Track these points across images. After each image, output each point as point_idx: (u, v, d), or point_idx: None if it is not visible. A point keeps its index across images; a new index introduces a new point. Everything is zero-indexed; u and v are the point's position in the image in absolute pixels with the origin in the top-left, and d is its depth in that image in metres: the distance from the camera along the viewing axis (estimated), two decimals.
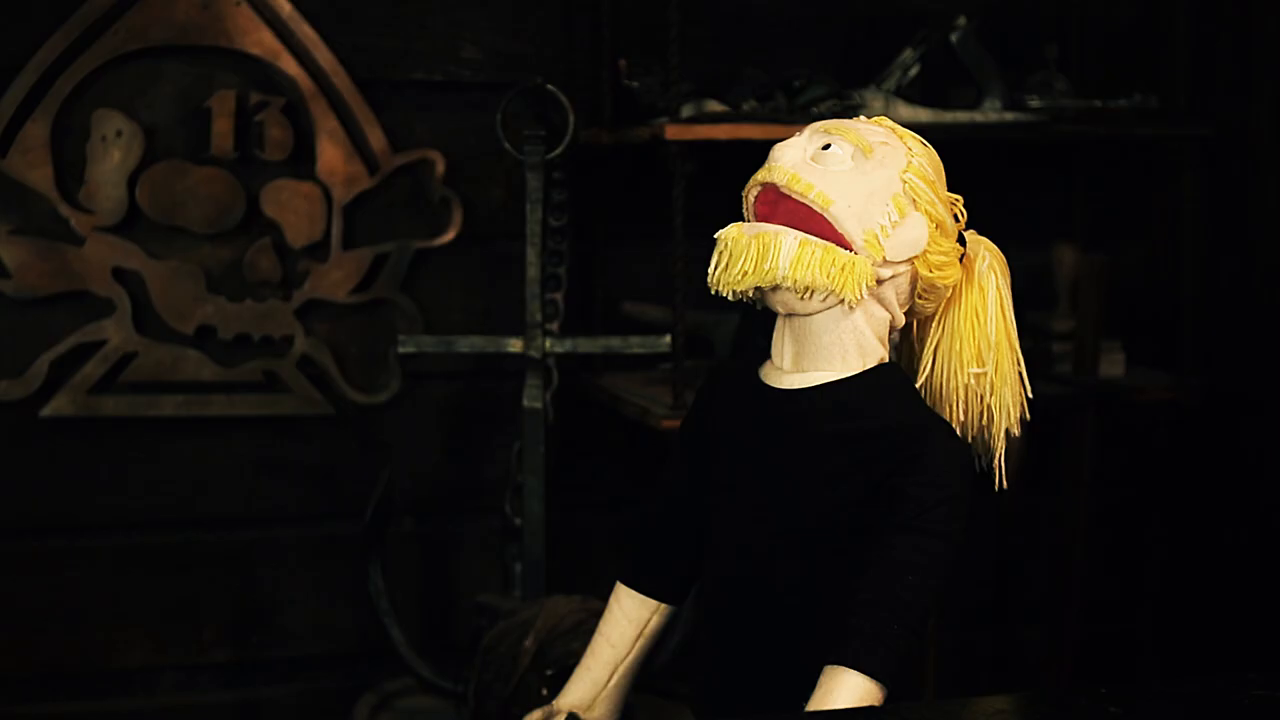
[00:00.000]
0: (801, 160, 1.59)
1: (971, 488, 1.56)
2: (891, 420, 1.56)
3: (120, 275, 2.70)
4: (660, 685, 2.55)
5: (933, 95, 2.79)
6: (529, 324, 2.64)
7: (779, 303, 1.58)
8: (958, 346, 1.66)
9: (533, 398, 2.65)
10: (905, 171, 1.59)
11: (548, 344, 2.65)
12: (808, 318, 1.58)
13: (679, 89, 2.61)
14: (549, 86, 2.68)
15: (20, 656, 2.71)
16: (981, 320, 1.66)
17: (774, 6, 2.97)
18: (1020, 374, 1.67)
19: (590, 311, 2.91)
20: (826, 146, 1.58)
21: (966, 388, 1.65)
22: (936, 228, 1.60)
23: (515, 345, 2.65)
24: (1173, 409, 3.08)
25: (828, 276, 1.53)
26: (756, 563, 1.60)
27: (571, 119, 2.67)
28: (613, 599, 1.76)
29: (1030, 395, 1.67)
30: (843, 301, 1.56)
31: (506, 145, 2.67)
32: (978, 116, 2.77)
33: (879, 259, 1.55)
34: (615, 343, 2.66)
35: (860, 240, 1.55)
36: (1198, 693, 1.29)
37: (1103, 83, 3.02)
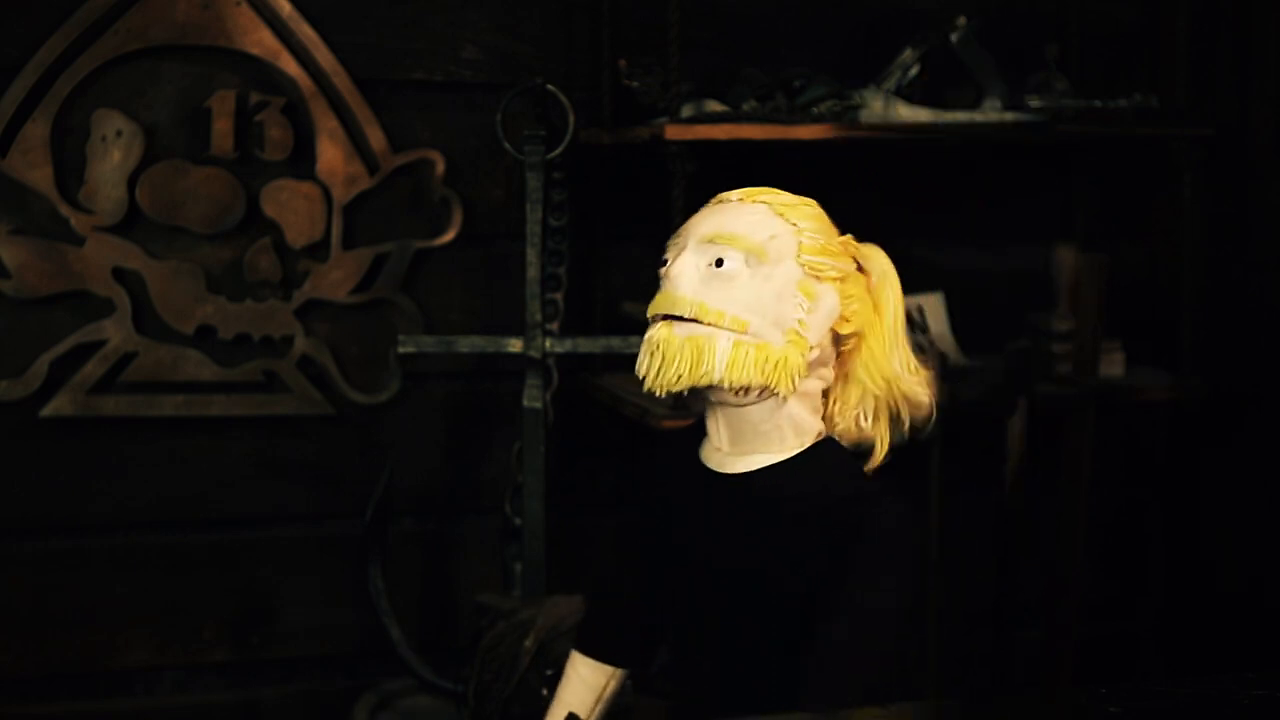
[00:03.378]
0: (699, 284, 1.58)
1: (911, 547, 1.63)
2: (833, 495, 1.58)
3: (120, 275, 2.70)
4: (658, 686, 2.55)
5: (933, 95, 2.79)
6: (529, 324, 2.64)
7: (712, 395, 1.60)
8: (868, 364, 1.67)
9: (533, 398, 2.65)
10: (800, 255, 1.60)
11: (548, 344, 2.65)
12: (742, 408, 1.60)
13: (679, 89, 2.61)
14: (549, 86, 2.68)
15: (20, 656, 2.71)
16: (885, 338, 1.66)
17: (774, 6, 2.97)
18: (913, 380, 1.67)
19: (590, 311, 2.91)
20: (719, 262, 1.58)
21: (876, 398, 1.67)
22: (842, 282, 1.62)
23: (515, 345, 2.65)
24: (1173, 409, 3.08)
25: (762, 374, 1.56)
26: (720, 634, 1.63)
27: (571, 119, 2.67)
28: (569, 666, 1.81)
29: (929, 396, 1.68)
30: (777, 393, 1.57)
31: (506, 145, 2.67)
32: (978, 116, 2.77)
33: (805, 349, 1.58)
34: (615, 343, 2.66)
35: (783, 341, 1.57)
36: (1198, 693, 1.29)
37: (1103, 83, 3.02)
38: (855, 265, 1.65)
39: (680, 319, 1.59)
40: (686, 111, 2.61)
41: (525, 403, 2.65)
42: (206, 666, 2.81)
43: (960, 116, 2.76)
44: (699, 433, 1.70)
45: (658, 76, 2.66)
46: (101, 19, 2.65)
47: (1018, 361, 2.76)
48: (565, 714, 1.77)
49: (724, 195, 1.67)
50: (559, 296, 2.77)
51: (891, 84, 2.76)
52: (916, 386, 1.67)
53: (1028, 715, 1.35)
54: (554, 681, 2.29)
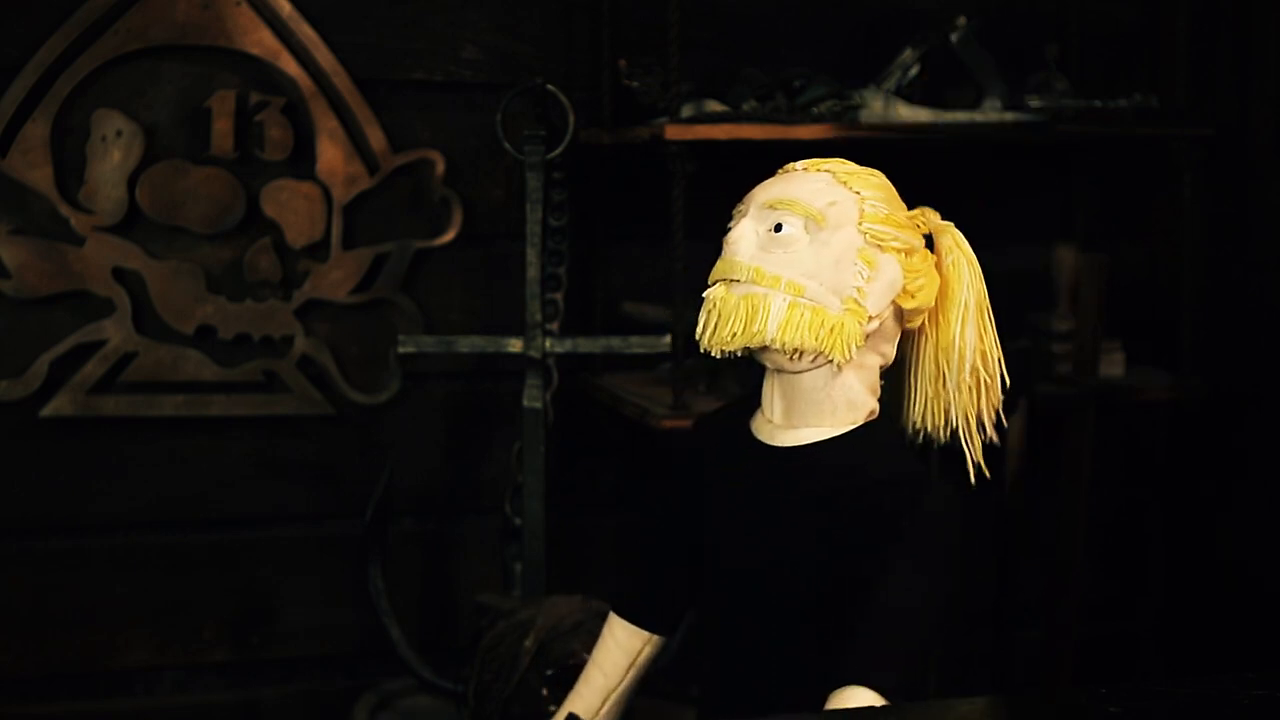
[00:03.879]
0: (757, 249, 1.58)
1: (962, 534, 1.58)
2: (884, 475, 1.57)
3: (120, 275, 2.70)
4: (664, 687, 2.55)
5: (933, 95, 2.79)
6: (529, 324, 2.64)
7: (768, 360, 1.60)
8: (942, 350, 1.67)
9: (533, 398, 2.65)
10: (861, 223, 1.59)
11: (548, 344, 2.65)
12: (797, 375, 1.59)
13: (679, 89, 2.61)
14: (549, 86, 2.68)
15: (20, 656, 2.71)
16: (958, 321, 1.66)
17: (774, 6, 2.97)
18: (998, 371, 1.67)
19: (590, 311, 2.91)
20: (778, 227, 1.57)
21: (944, 381, 1.66)
22: (906, 255, 1.61)
23: (515, 345, 2.65)
24: (1173, 409, 3.08)
25: (816, 339, 1.54)
26: (750, 612, 1.61)
27: (571, 119, 2.67)
28: (606, 628, 1.79)
29: (1002, 393, 1.68)
30: (831, 361, 1.56)
31: (506, 145, 2.67)
32: (978, 116, 2.77)
33: (864, 318, 1.56)
34: (615, 343, 2.66)
35: (841, 309, 1.56)
36: (1198, 693, 1.29)
37: (1103, 83, 3.02)
38: (924, 241, 1.64)
39: (737, 282, 1.57)
40: (686, 111, 2.61)
41: (525, 403, 2.65)
42: (206, 666, 2.81)
43: (960, 116, 2.76)
44: (749, 406, 1.68)
45: (658, 76, 2.66)
46: (101, 19, 2.65)
47: (1018, 361, 2.76)
48: (600, 679, 1.76)
49: (790, 165, 1.67)
50: (559, 296, 2.77)
51: (891, 84, 2.76)
52: (988, 376, 1.67)
53: (1028, 715, 1.35)
54: (554, 681, 2.29)
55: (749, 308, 1.55)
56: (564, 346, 2.67)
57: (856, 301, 1.56)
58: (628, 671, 1.77)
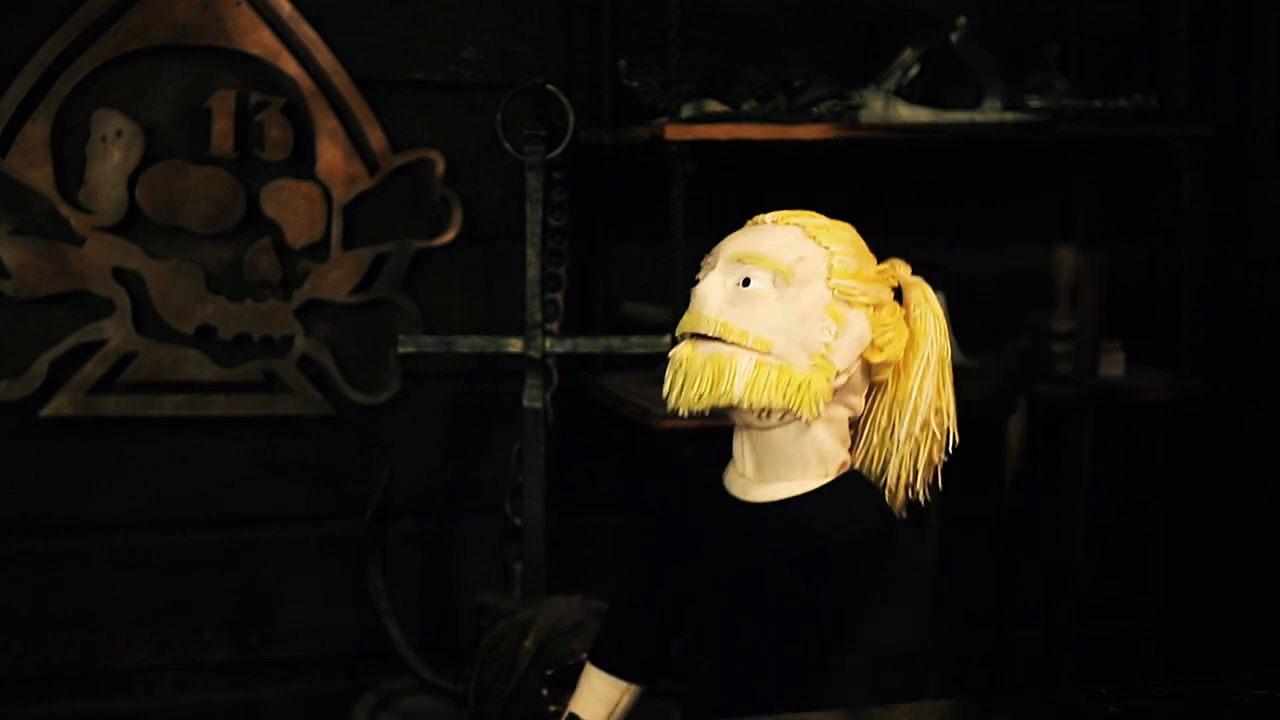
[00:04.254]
0: (725, 303, 1.57)
1: (923, 582, 1.63)
2: (858, 530, 1.57)
3: (120, 275, 2.70)
4: (659, 686, 2.55)
5: (933, 95, 2.79)
6: (529, 324, 2.64)
7: (736, 418, 1.60)
8: (898, 403, 1.66)
9: (533, 398, 2.65)
10: (830, 278, 1.58)
11: (548, 344, 2.65)
12: (766, 431, 1.59)
13: (679, 89, 2.61)
14: (549, 86, 2.68)
15: (20, 656, 2.71)
16: (919, 375, 1.64)
17: (774, 6, 2.97)
18: (949, 428, 1.66)
19: (590, 311, 2.91)
20: (746, 282, 1.56)
21: (908, 433, 1.65)
22: (875, 310, 1.60)
23: (515, 345, 2.65)
24: (1173, 409, 3.08)
25: (784, 397, 1.54)
26: (744, 657, 1.62)
27: (571, 119, 2.67)
28: (583, 679, 1.78)
29: (952, 445, 1.66)
30: (800, 418, 1.56)
31: (506, 145, 2.67)
32: (978, 116, 2.77)
33: (831, 374, 1.56)
34: (615, 343, 2.66)
35: (808, 365, 1.55)
36: (1198, 693, 1.29)
37: (1103, 83, 3.02)
38: (893, 294, 1.63)
39: (705, 338, 1.57)
40: (686, 111, 2.61)
41: (525, 403, 2.65)
42: (206, 666, 2.81)
43: (960, 116, 2.76)
44: (723, 457, 1.68)
45: (658, 76, 2.66)
46: (101, 19, 2.65)
47: (1018, 361, 2.76)
48: None
49: (759, 217, 1.66)
50: (559, 296, 2.77)
51: (891, 84, 2.76)
52: (937, 431, 1.64)
53: (1028, 715, 1.35)
54: (554, 681, 2.29)
55: (715, 368, 1.55)
56: (564, 346, 2.67)
57: (824, 357, 1.56)
58: None
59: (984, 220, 3.10)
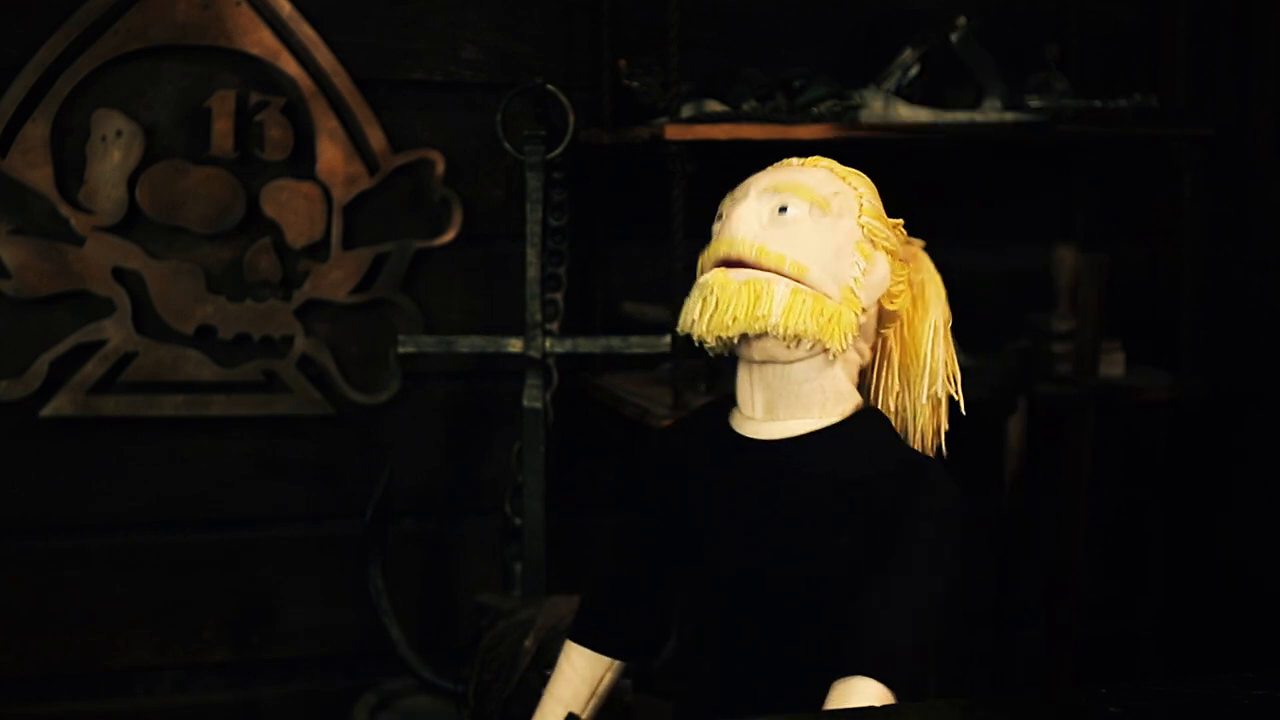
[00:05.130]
0: (761, 228, 1.55)
1: (963, 522, 1.57)
2: (884, 464, 1.55)
3: (120, 275, 2.70)
4: (659, 685, 2.55)
5: (933, 95, 2.79)
6: (529, 324, 2.64)
7: (758, 350, 1.56)
8: (905, 368, 1.67)
9: (533, 398, 2.65)
10: (861, 216, 1.59)
11: (548, 344, 2.65)
12: (785, 366, 1.57)
13: (679, 89, 2.61)
14: (549, 86, 2.68)
15: (20, 656, 2.71)
16: (929, 340, 1.66)
17: (774, 6, 2.97)
18: (958, 392, 1.67)
19: (590, 311, 2.91)
20: (783, 209, 1.56)
21: (915, 406, 1.66)
22: (892, 258, 1.61)
23: (515, 345, 2.65)
24: (1173, 409, 3.08)
25: (817, 326, 1.53)
26: (749, 610, 1.58)
27: (571, 119, 2.67)
28: (563, 658, 1.73)
29: (957, 399, 1.67)
30: (826, 351, 1.55)
31: (506, 145, 2.67)
32: (978, 116, 2.77)
33: (858, 310, 1.56)
34: (615, 343, 2.66)
35: (838, 297, 1.55)
36: (1198, 693, 1.29)
37: (1103, 83, 3.02)
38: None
39: (738, 265, 1.54)
40: (686, 111, 2.61)
41: (525, 403, 2.65)
42: (206, 666, 2.81)
43: (960, 116, 2.76)
44: (723, 405, 1.66)
45: (658, 76, 2.66)
46: (101, 19, 2.65)
47: (1018, 361, 2.76)
48: (560, 711, 1.68)
49: (785, 160, 1.66)
50: (559, 296, 2.77)
51: (891, 84, 2.76)
52: (942, 396, 1.66)
53: (1028, 715, 1.35)
54: None
55: (751, 293, 1.52)
56: (564, 346, 2.67)
57: (852, 292, 1.56)
58: (589, 701, 1.71)
59: (984, 220, 3.10)
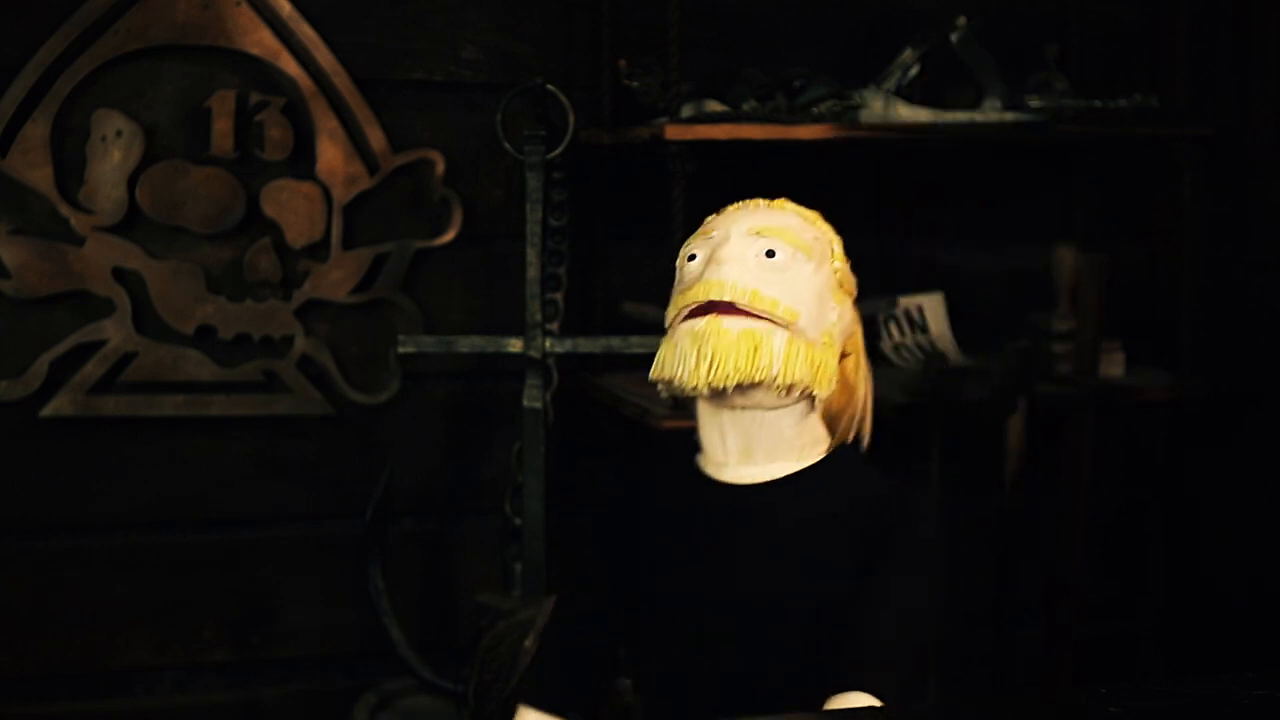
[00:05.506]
0: (751, 273, 1.53)
1: (943, 535, 1.61)
2: (865, 496, 1.57)
3: (120, 275, 2.70)
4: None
5: (933, 95, 2.79)
6: (529, 324, 2.64)
7: (744, 399, 1.54)
8: (843, 404, 1.70)
9: (533, 398, 2.65)
10: (834, 261, 1.60)
11: (548, 344, 2.65)
12: (767, 412, 1.56)
13: (679, 89, 2.61)
14: (549, 86, 2.68)
15: (20, 656, 2.71)
16: (862, 378, 1.70)
17: (774, 6, 2.97)
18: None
19: (590, 311, 2.91)
20: (770, 253, 1.54)
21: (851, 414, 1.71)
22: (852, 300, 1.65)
23: (515, 345, 2.65)
24: (1173, 409, 3.08)
25: (811, 374, 1.53)
26: (734, 654, 1.59)
27: (571, 119, 2.67)
28: None
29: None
30: (812, 397, 1.56)
31: (506, 145, 2.67)
32: (978, 116, 2.77)
33: (836, 355, 1.58)
34: (615, 343, 2.66)
35: (820, 343, 1.55)
36: (1198, 693, 1.29)
37: (1103, 83, 3.02)
38: None
39: (726, 311, 1.52)
40: (686, 111, 2.61)
41: (525, 403, 2.65)
42: (206, 666, 2.81)
43: (960, 116, 2.76)
44: (687, 449, 1.66)
45: (658, 76, 2.66)
46: (101, 19, 2.65)
47: (1018, 361, 2.76)
48: None
49: (743, 202, 1.65)
50: (559, 296, 2.77)
51: (891, 84, 2.76)
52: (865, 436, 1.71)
53: (1028, 715, 1.35)
54: None
55: (750, 343, 1.50)
56: (564, 346, 2.67)
57: (831, 337, 1.57)
58: None
59: (984, 220, 3.10)
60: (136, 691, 2.79)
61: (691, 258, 1.59)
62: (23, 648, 2.72)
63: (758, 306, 1.51)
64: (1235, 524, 3.07)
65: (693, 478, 1.63)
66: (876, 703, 1.46)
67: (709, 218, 1.67)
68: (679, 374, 1.52)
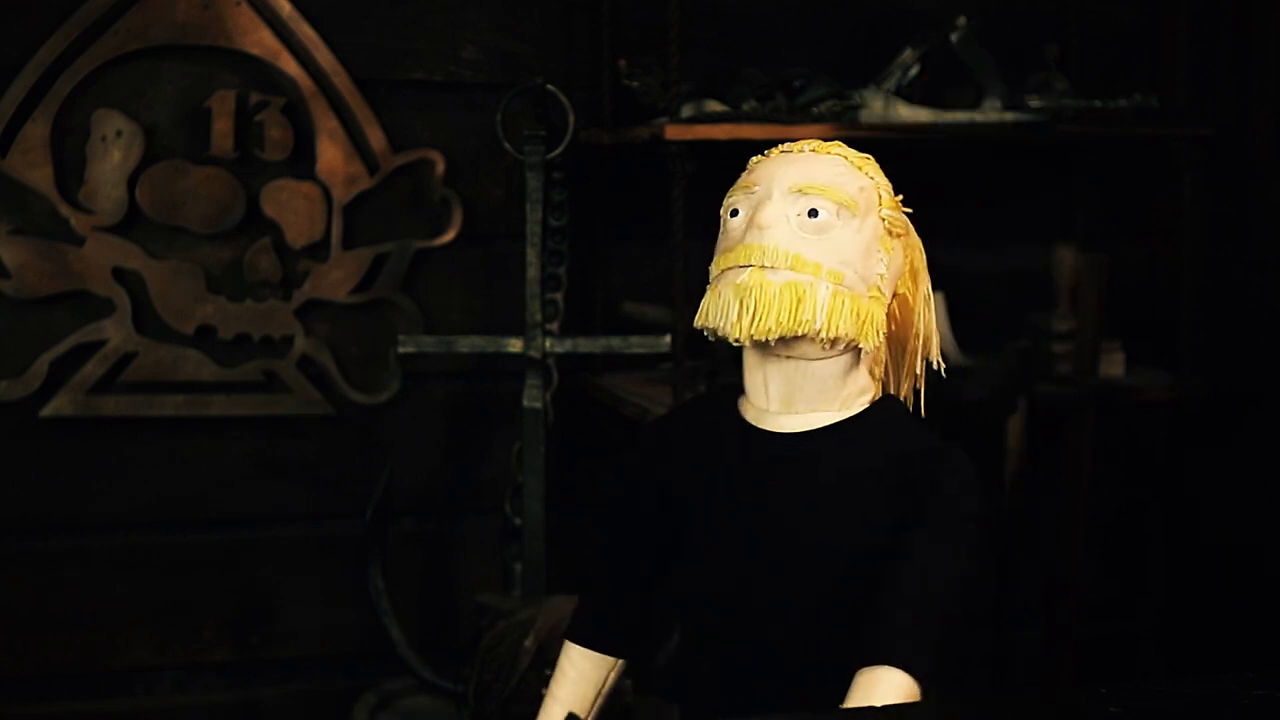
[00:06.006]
0: (794, 235, 1.51)
1: (983, 506, 1.56)
2: (907, 450, 1.54)
3: (120, 275, 2.70)
4: (659, 685, 2.55)
5: (933, 95, 2.79)
6: (529, 324, 2.64)
7: (789, 349, 1.53)
8: (903, 334, 1.67)
9: (533, 398, 2.65)
10: (882, 208, 1.57)
11: (548, 344, 2.65)
12: (810, 362, 1.54)
13: (679, 89, 2.61)
14: (549, 86, 2.68)
15: (20, 656, 2.71)
16: (920, 307, 1.65)
17: (774, 6, 2.97)
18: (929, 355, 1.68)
19: (590, 311, 2.91)
20: (813, 213, 1.52)
21: (908, 358, 1.67)
22: (905, 240, 1.60)
23: (515, 345, 2.65)
24: (1173, 409, 3.08)
25: (856, 327, 1.51)
26: (765, 603, 1.55)
27: (571, 119, 2.67)
28: (564, 658, 1.68)
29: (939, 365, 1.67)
30: (858, 349, 1.54)
31: (506, 145, 2.67)
32: (978, 116, 2.77)
33: (885, 305, 1.55)
34: (615, 343, 2.66)
35: (868, 295, 1.53)
36: (1198, 693, 1.29)
37: (1103, 83, 3.02)
38: None
39: (773, 269, 1.50)
40: (686, 111, 2.61)
41: (525, 403, 2.65)
42: (206, 666, 2.81)
43: (960, 116, 2.76)
44: (721, 397, 1.63)
45: (658, 76, 2.66)
46: (101, 19, 2.65)
47: (1018, 361, 2.76)
48: (563, 713, 1.65)
49: (789, 145, 1.61)
50: (559, 296, 2.77)
51: (891, 84, 2.76)
52: (934, 351, 1.66)
53: (1028, 715, 1.35)
54: None
55: (793, 296, 1.48)
56: (564, 346, 2.67)
57: (879, 289, 1.54)
58: (594, 702, 1.67)
59: (984, 220, 3.10)
60: (136, 691, 2.79)
61: (734, 212, 1.56)
62: (23, 648, 2.72)
63: (800, 270, 1.50)
64: (1235, 524, 3.07)
65: (731, 427, 1.60)
66: (907, 679, 1.44)
67: (753, 161, 1.62)
68: (721, 324, 1.51)
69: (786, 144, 1.62)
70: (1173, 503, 3.17)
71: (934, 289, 1.68)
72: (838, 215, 1.52)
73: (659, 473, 1.65)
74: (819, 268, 1.50)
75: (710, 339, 1.57)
